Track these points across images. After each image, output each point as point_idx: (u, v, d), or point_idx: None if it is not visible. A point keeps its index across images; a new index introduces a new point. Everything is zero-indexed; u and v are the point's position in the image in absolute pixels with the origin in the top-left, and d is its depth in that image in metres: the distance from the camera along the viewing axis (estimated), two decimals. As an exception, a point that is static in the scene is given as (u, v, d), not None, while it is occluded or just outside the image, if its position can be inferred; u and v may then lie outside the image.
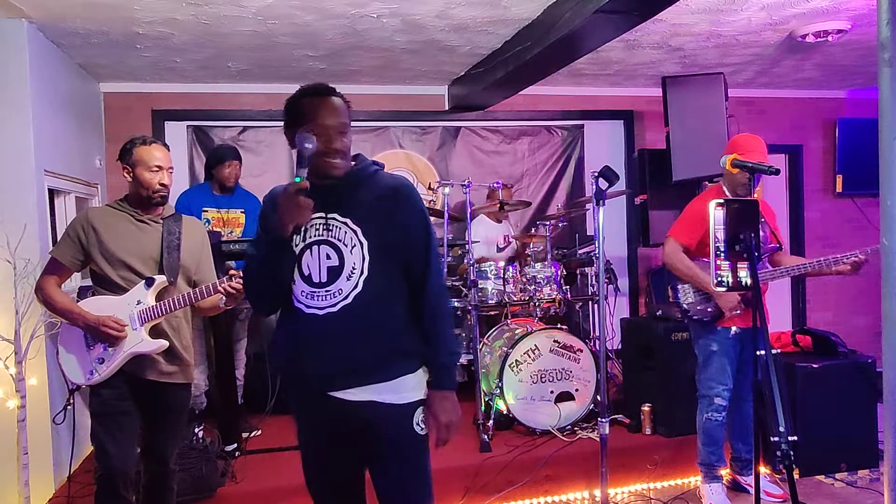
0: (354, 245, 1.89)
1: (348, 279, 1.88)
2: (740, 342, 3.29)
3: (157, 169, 2.58)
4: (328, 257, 1.89)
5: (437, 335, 1.97)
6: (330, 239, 1.90)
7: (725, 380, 3.29)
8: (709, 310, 3.28)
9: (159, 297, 2.58)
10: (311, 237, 1.92)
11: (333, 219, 1.91)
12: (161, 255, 2.60)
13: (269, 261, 1.89)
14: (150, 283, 2.55)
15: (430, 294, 1.97)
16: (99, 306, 2.55)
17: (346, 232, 1.90)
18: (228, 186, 4.45)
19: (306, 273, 1.91)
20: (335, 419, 1.92)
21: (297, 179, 1.76)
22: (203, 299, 2.60)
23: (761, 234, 3.19)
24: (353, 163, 1.97)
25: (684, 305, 3.35)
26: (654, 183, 5.18)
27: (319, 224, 1.91)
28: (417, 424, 1.93)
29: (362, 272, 1.88)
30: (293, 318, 1.93)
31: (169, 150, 2.67)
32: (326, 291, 1.88)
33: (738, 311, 3.20)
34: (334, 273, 1.88)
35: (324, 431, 1.97)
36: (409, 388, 1.93)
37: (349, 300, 1.87)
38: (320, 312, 1.88)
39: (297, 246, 1.91)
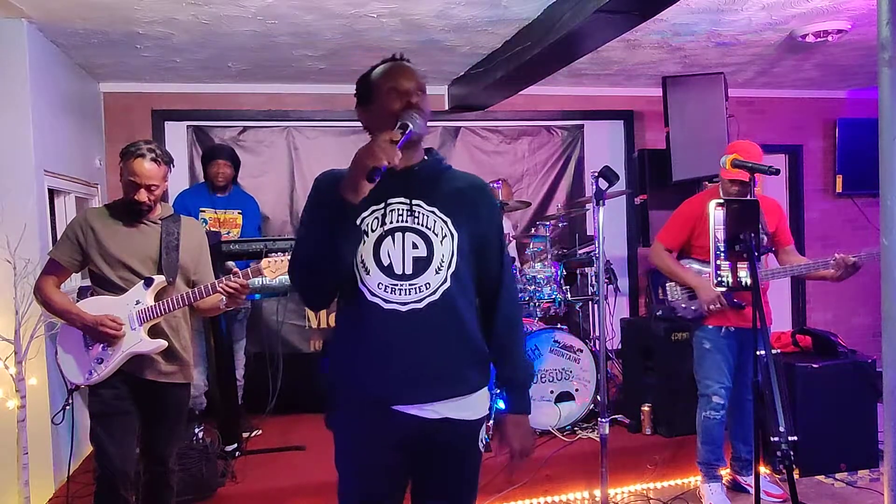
0: (445, 236, 1.71)
1: (437, 272, 1.69)
2: (737, 341, 3.29)
3: (139, 184, 2.53)
4: (415, 246, 1.69)
5: (513, 348, 1.82)
6: (417, 227, 1.70)
7: (722, 378, 3.30)
8: (693, 307, 3.32)
9: (158, 298, 2.58)
10: (392, 222, 1.70)
11: (419, 206, 1.72)
12: (160, 255, 2.60)
13: (330, 234, 1.62)
14: (148, 283, 2.55)
15: (505, 300, 1.82)
16: (98, 306, 2.55)
17: (435, 221, 1.71)
18: (218, 185, 4.44)
19: (386, 263, 1.68)
20: (399, 439, 1.71)
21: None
22: (202, 299, 2.60)
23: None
24: (425, 156, 1.82)
25: (672, 304, 3.39)
26: (654, 183, 5.18)
27: (403, 209, 1.71)
28: (481, 441, 1.81)
29: (450, 266, 1.70)
30: (367, 314, 1.69)
31: (167, 161, 2.59)
32: (411, 285, 1.68)
33: (717, 306, 3.21)
34: (422, 264, 1.68)
35: (386, 449, 1.72)
36: (482, 402, 1.78)
37: (436, 296, 1.68)
38: (402, 309, 1.67)
39: (373, 231, 1.70)
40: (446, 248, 1.71)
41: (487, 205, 1.83)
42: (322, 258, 1.65)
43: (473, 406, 1.75)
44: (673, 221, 3.46)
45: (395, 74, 1.73)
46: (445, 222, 1.72)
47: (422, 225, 1.71)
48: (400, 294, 1.68)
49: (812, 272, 3.21)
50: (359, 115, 1.81)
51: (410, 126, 1.61)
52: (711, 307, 3.23)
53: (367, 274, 1.68)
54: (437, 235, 1.71)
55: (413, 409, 1.69)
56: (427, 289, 1.68)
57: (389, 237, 1.69)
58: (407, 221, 1.71)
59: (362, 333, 1.71)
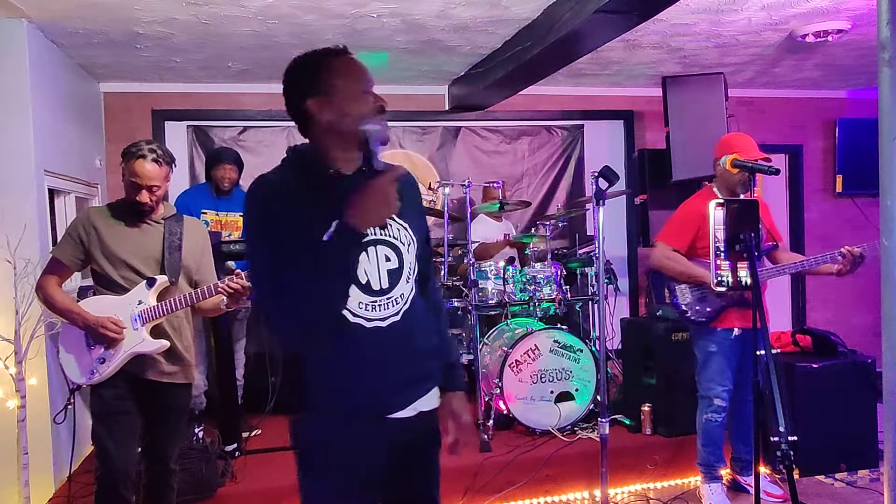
0: (410, 243, 1.68)
1: (407, 281, 1.67)
2: (741, 343, 3.28)
3: (140, 185, 2.52)
4: (387, 259, 1.63)
5: (446, 333, 1.87)
6: (387, 238, 1.64)
7: (725, 381, 3.29)
8: (707, 309, 3.27)
9: (161, 298, 2.58)
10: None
11: None
12: (162, 255, 2.60)
13: (341, 270, 1.51)
14: (151, 283, 2.56)
15: (434, 289, 1.87)
16: (100, 306, 2.55)
17: (398, 229, 1.67)
18: (224, 189, 4.45)
19: (364, 280, 1.60)
20: (388, 444, 1.69)
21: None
22: (204, 300, 2.60)
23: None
24: None
25: (682, 306, 3.35)
26: (654, 183, 5.18)
27: None
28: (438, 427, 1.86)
29: (413, 272, 1.69)
30: (349, 336, 1.61)
31: (169, 162, 2.58)
32: (388, 299, 1.63)
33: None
34: (395, 276, 1.64)
35: (378, 457, 1.69)
36: (438, 391, 1.82)
37: (408, 305, 1.67)
38: (384, 324, 1.63)
39: None
40: (412, 256, 1.68)
41: (420, 198, 1.81)
42: (342, 296, 1.56)
43: (435, 396, 1.79)
44: (677, 223, 3.39)
45: (360, 74, 1.64)
46: (406, 229, 1.69)
47: (390, 235, 1.65)
48: (379, 310, 1.63)
49: (819, 267, 3.17)
50: (309, 107, 1.60)
51: (377, 140, 1.56)
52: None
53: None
54: (403, 244, 1.67)
55: (399, 413, 1.68)
56: (401, 300, 1.66)
57: (364, 253, 1.61)
58: (377, 234, 1.63)
59: (348, 355, 1.62)
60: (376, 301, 1.62)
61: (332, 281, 1.51)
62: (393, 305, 1.64)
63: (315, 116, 1.61)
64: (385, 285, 1.63)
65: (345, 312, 1.60)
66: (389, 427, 1.67)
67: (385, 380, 1.65)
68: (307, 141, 1.69)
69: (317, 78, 1.61)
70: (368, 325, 1.62)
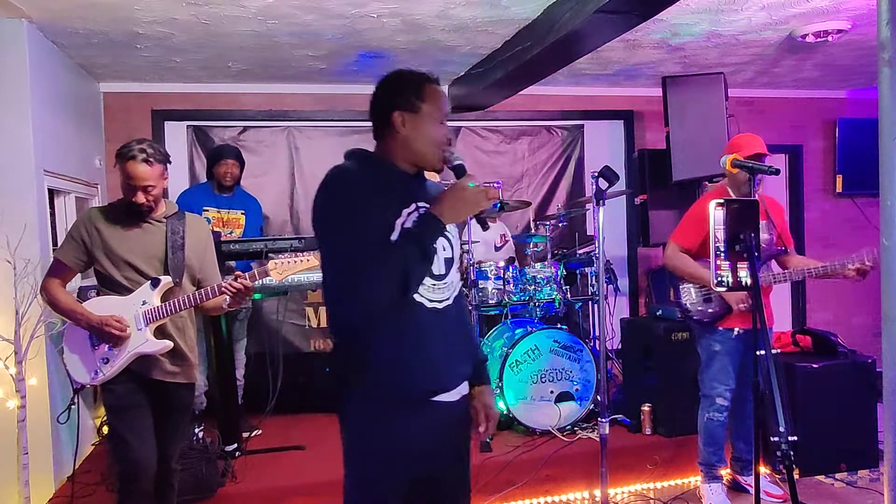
0: (456, 237, 1.89)
1: (456, 271, 1.88)
2: (744, 343, 3.27)
3: (135, 186, 2.53)
4: (444, 248, 1.82)
5: (474, 332, 2.06)
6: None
7: (727, 380, 3.29)
8: (710, 310, 3.28)
9: (164, 298, 2.58)
10: None
11: None
12: (165, 254, 2.60)
13: (424, 254, 1.71)
14: (155, 283, 2.56)
15: (462, 293, 2.05)
16: (104, 306, 2.56)
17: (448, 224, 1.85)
18: (225, 185, 4.45)
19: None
20: (440, 428, 1.81)
21: (471, 185, 1.74)
22: (208, 300, 2.60)
23: (766, 235, 3.19)
24: None
25: (686, 305, 3.35)
26: (654, 183, 5.18)
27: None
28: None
29: (459, 262, 1.91)
30: (414, 315, 1.75)
31: (161, 160, 2.57)
32: (444, 284, 1.82)
33: (745, 305, 3.16)
34: (449, 264, 1.84)
35: (425, 447, 1.80)
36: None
37: (456, 291, 1.87)
38: (440, 306, 1.80)
39: None
40: (457, 248, 1.89)
41: None
42: (421, 277, 1.74)
43: (466, 386, 1.93)
44: (689, 222, 3.37)
45: (443, 104, 1.86)
46: (454, 225, 1.85)
47: (445, 228, 1.81)
48: (438, 293, 1.80)
49: (839, 270, 3.12)
50: (394, 118, 1.80)
51: (463, 164, 1.80)
52: (741, 306, 3.16)
53: None
54: (453, 237, 1.87)
55: (448, 396, 1.82)
56: (453, 286, 1.85)
57: None
58: None
59: (412, 332, 1.76)
60: (436, 285, 1.80)
61: (414, 262, 1.69)
62: (448, 290, 1.83)
63: (396, 127, 1.80)
64: (443, 271, 1.82)
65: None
66: (440, 411, 1.80)
67: (442, 359, 1.79)
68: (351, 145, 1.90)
69: (408, 95, 1.83)
70: (429, 305, 1.78)
